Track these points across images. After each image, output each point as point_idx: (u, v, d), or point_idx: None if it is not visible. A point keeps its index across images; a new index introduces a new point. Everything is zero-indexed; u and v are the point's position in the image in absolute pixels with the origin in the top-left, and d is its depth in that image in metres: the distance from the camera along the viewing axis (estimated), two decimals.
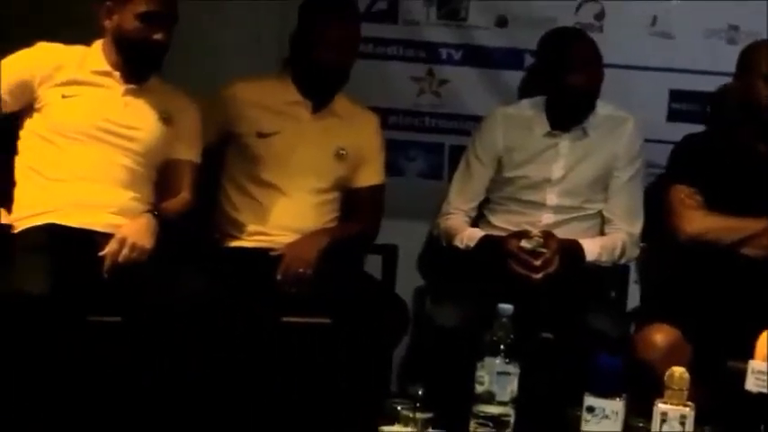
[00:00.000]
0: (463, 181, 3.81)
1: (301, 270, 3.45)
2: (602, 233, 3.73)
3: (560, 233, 3.61)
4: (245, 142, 3.63)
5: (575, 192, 3.72)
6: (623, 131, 3.73)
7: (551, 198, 3.71)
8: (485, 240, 3.64)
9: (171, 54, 3.33)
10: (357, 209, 3.73)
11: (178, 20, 3.31)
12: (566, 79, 3.63)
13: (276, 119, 3.63)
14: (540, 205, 3.71)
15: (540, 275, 3.48)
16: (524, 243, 3.51)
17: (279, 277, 3.44)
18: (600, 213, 3.74)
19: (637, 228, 3.73)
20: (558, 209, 3.70)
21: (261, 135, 3.62)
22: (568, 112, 3.72)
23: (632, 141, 3.74)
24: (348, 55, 3.61)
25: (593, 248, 3.62)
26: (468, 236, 3.68)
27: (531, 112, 3.76)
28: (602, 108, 3.74)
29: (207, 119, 3.54)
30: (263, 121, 3.62)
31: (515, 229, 3.63)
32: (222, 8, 4.01)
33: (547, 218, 3.70)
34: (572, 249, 3.58)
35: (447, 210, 3.79)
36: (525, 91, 3.97)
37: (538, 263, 3.49)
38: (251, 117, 3.62)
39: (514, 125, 3.76)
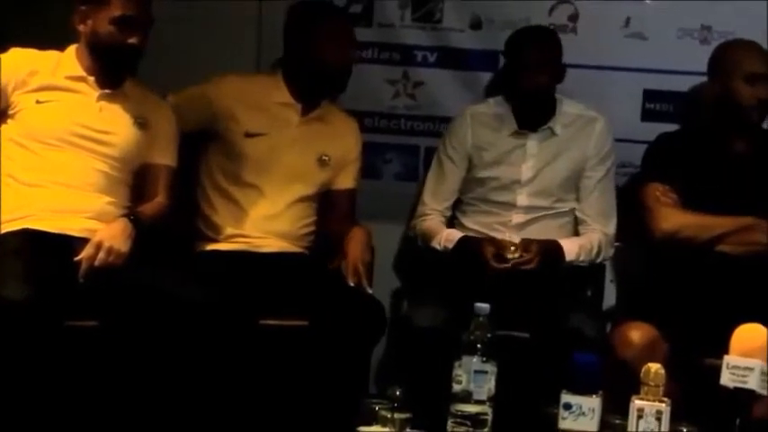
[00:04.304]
0: (436, 181, 3.82)
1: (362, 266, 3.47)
2: (575, 230, 3.75)
3: (532, 231, 3.65)
4: (231, 140, 3.62)
5: (545, 192, 3.74)
6: (592, 131, 3.76)
7: (522, 199, 3.73)
8: (463, 242, 3.65)
9: (146, 54, 3.33)
10: (336, 212, 3.73)
11: (154, 23, 3.31)
12: (519, 80, 3.66)
13: (265, 119, 3.62)
14: (511, 206, 3.73)
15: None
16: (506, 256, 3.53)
17: (350, 283, 3.44)
18: (572, 211, 3.76)
19: (611, 228, 3.75)
20: (528, 209, 3.73)
21: (248, 135, 3.61)
22: (530, 113, 3.73)
23: (602, 141, 3.77)
24: (353, 54, 3.66)
25: (571, 248, 3.64)
26: (446, 237, 3.69)
27: (499, 110, 3.79)
28: (571, 107, 3.76)
29: (191, 105, 3.58)
30: (252, 121, 3.61)
31: (486, 230, 3.67)
32: (198, 7, 4.02)
33: (517, 218, 3.72)
34: (552, 250, 3.59)
35: (423, 211, 3.80)
36: (492, 91, 3.99)
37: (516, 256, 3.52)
38: (240, 115, 3.61)
39: (483, 124, 3.79)
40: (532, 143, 3.74)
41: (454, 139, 3.80)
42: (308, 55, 3.59)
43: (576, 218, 3.78)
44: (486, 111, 3.81)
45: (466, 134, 3.79)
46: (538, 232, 3.67)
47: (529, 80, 3.65)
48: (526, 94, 3.69)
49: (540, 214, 3.73)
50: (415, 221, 3.82)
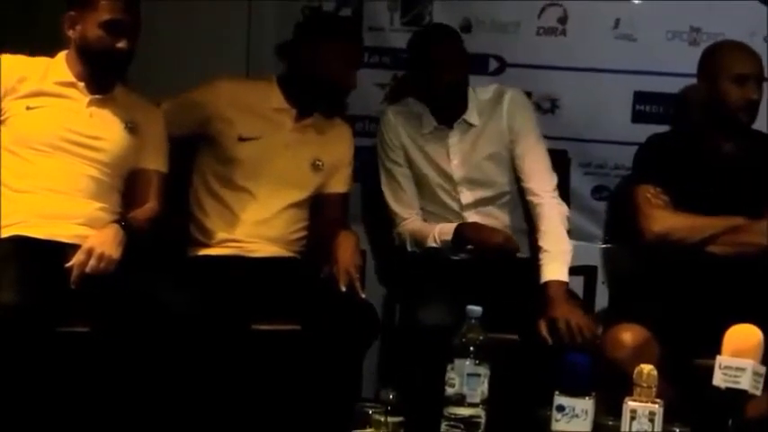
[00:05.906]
0: (393, 191, 3.81)
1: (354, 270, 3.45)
2: (525, 210, 3.75)
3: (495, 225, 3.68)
4: (225, 144, 3.61)
5: (485, 183, 3.75)
6: (503, 106, 3.74)
7: (466, 196, 3.75)
8: (461, 229, 3.65)
9: (135, 57, 3.32)
10: (327, 215, 3.72)
11: (142, 27, 3.31)
12: (438, 77, 3.66)
13: (259, 124, 3.62)
14: (459, 205, 3.74)
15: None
16: None
17: (342, 288, 3.42)
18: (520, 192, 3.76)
19: (554, 182, 3.70)
20: (477, 204, 3.74)
21: (242, 139, 3.60)
22: (447, 108, 3.74)
23: (513, 109, 3.75)
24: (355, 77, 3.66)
25: (564, 268, 3.55)
26: (440, 231, 3.68)
27: (416, 109, 3.80)
28: (483, 93, 3.78)
29: (184, 109, 3.58)
30: (246, 125, 3.60)
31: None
32: (187, 9, 4.01)
33: (472, 218, 3.73)
34: (566, 293, 3.53)
35: (402, 217, 3.78)
36: (397, 96, 4.02)
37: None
38: (234, 119, 3.60)
39: (407, 122, 3.80)
40: (453, 139, 3.75)
41: (388, 140, 3.79)
42: (315, 70, 3.57)
43: (524, 199, 3.75)
44: (407, 109, 3.82)
45: (397, 132, 3.79)
46: (502, 225, 3.71)
47: (448, 75, 3.65)
48: (447, 89, 3.68)
49: (492, 206, 3.75)
50: (397, 229, 3.79)
